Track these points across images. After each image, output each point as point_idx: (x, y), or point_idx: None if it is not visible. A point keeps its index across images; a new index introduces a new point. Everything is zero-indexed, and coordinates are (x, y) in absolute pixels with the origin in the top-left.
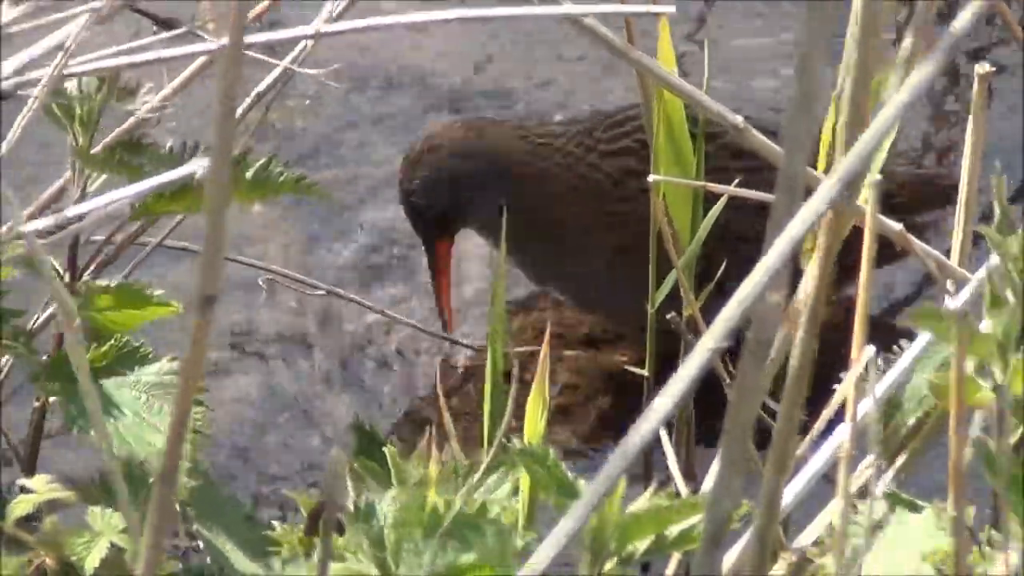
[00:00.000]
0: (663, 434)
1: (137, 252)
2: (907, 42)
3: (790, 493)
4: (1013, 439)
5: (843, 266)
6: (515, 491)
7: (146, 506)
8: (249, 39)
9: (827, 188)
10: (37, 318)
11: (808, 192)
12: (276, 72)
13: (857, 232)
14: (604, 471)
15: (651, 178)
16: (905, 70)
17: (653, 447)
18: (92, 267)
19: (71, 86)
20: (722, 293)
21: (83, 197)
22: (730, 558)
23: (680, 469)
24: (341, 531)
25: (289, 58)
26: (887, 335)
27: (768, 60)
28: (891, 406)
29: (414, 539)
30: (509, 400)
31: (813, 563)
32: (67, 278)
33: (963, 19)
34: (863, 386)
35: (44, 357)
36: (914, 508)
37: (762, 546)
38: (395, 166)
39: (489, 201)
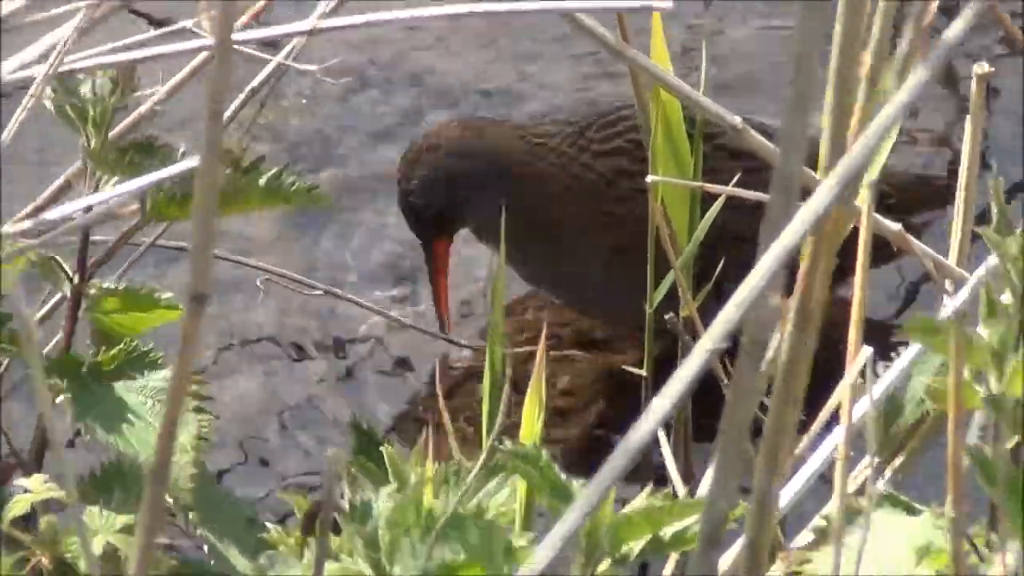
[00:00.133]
0: (661, 434)
1: (130, 252)
2: (905, 42)
3: (788, 493)
4: (1009, 444)
5: (841, 267)
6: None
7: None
8: (245, 36)
9: (826, 188)
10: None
11: (805, 193)
12: (269, 67)
13: (854, 231)
14: (602, 473)
15: (649, 178)
16: (903, 70)
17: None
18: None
19: (85, 89)
20: (720, 293)
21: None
22: (727, 559)
23: (678, 469)
24: (338, 531)
25: (283, 53)
26: (887, 335)
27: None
28: (891, 406)
29: (408, 539)
30: (502, 402)
31: (811, 563)
32: (76, 279)
33: (957, 27)
34: (860, 387)
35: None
36: (911, 510)
37: (754, 543)
38: (393, 166)
39: (488, 201)
